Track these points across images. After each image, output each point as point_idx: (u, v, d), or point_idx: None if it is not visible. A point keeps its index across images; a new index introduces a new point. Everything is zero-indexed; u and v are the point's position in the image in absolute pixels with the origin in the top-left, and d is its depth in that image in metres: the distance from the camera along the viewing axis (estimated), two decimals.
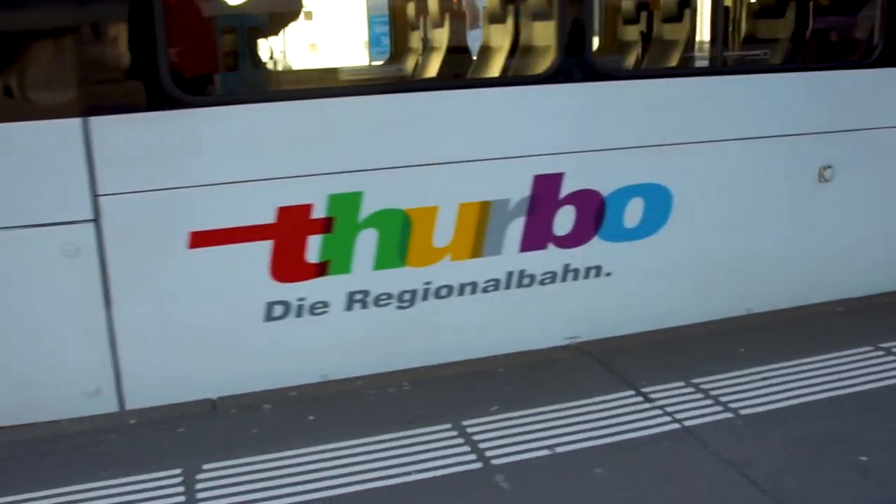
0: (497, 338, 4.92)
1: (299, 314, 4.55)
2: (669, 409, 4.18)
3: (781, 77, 5.45)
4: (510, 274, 4.87)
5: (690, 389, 4.39)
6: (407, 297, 4.72)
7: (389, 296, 4.68)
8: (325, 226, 4.47)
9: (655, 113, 4.99)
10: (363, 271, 4.60)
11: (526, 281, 4.91)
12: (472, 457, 3.82)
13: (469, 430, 4.05)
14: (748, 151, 5.22)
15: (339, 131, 4.44)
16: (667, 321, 5.21)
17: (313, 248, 4.49)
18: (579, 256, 4.98)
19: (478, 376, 4.66)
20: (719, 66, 6.54)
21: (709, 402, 4.25)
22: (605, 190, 4.93)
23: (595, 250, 5.00)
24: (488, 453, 3.84)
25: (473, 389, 4.49)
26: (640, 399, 4.31)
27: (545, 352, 4.95)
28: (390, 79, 7.70)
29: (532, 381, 4.57)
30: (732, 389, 4.38)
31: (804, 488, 3.48)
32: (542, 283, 4.94)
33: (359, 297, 4.63)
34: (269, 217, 4.37)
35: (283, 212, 4.38)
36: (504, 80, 5.81)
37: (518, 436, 3.99)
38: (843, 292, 5.66)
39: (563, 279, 4.98)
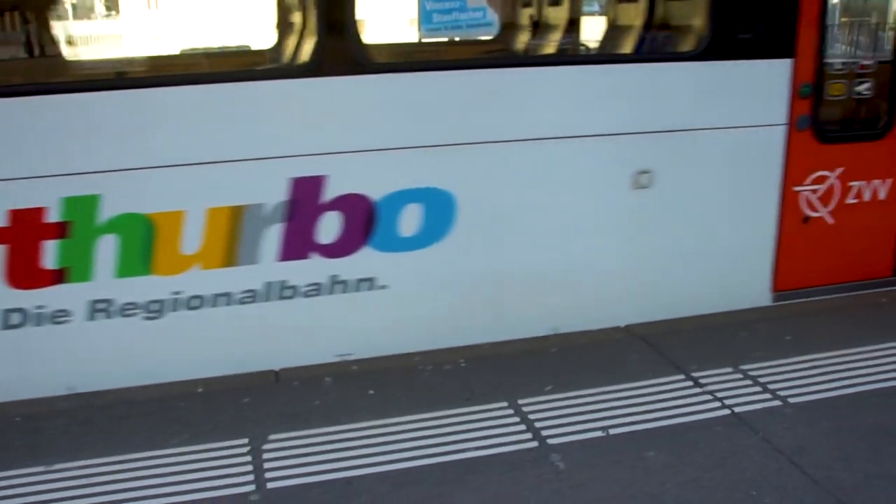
0: (260, 352, 4.62)
1: (39, 323, 4.30)
2: (719, 395, 4.28)
3: (590, 69, 4.96)
4: (269, 285, 4.54)
5: (739, 376, 4.48)
6: (155, 307, 4.44)
7: (135, 305, 4.41)
8: (61, 230, 4.21)
9: (435, 109, 4.56)
10: (105, 279, 4.33)
11: (287, 293, 4.57)
12: (528, 435, 3.95)
13: (525, 408, 4.18)
14: (548, 153, 4.75)
15: (75, 130, 4.15)
16: (455, 339, 4.84)
17: (50, 253, 4.24)
18: (348, 267, 4.61)
19: (531, 355, 4.77)
20: (515, 56, 5.89)
21: (758, 388, 4.34)
22: (375, 194, 4.55)
23: (366, 260, 4.63)
24: (544, 432, 3.97)
25: (528, 368, 4.60)
26: (690, 384, 4.41)
27: (596, 333, 5.04)
28: (129, 73, 6.82)
29: (584, 362, 4.68)
30: (780, 377, 4.46)
31: (856, 479, 3.57)
32: (306, 295, 4.59)
33: (102, 305, 4.36)
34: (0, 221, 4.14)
35: (15, 215, 4.14)
36: (256, 74, 5.04)
37: (572, 416, 4.12)
38: (660, 313, 5.16)
39: (331, 291, 4.61)
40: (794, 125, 5.15)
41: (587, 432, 3.97)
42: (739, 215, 5.26)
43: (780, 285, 5.46)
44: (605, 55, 5.74)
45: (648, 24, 5.76)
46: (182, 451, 3.87)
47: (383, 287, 4.69)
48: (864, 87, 5.38)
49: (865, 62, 5.41)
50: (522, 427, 4.02)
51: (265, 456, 3.82)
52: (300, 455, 3.83)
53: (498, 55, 6.61)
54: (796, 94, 5.10)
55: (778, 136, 5.16)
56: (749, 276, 5.40)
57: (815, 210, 5.40)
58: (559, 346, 4.89)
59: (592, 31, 6.23)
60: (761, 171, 5.21)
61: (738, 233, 5.28)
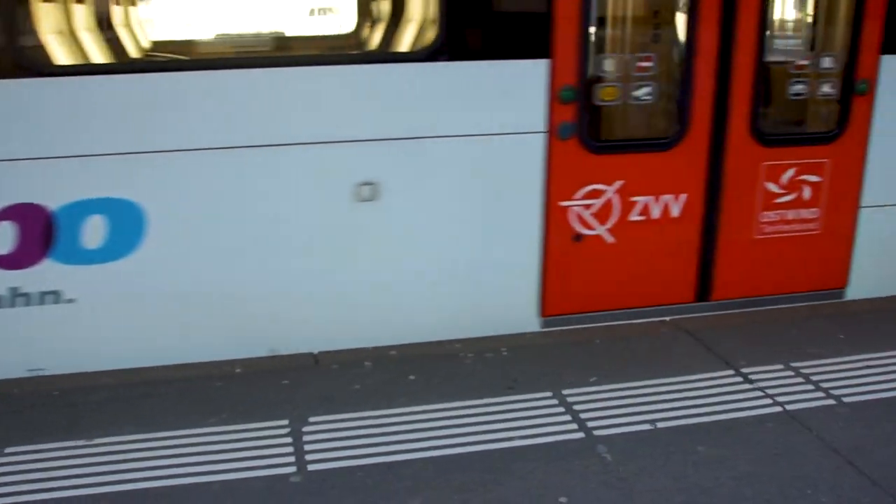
0: None
1: None
2: (770, 392, 4.16)
3: (302, 72, 4.49)
4: None
5: (790, 373, 4.36)
6: None
7: None
8: None
9: (115, 114, 4.21)
10: None
11: None
12: (574, 426, 3.86)
13: (569, 399, 4.08)
14: (252, 163, 4.40)
15: None
16: (150, 359, 4.48)
17: None
18: (29, 279, 4.33)
19: (574, 346, 4.68)
20: (206, 58, 5.49)
21: (810, 387, 4.22)
22: (52, 204, 4.24)
23: (48, 273, 4.33)
24: (590, 423, 3.87)
25: (571, 359, 4.52)
26: (739, 379, 4.29)
27: (641, 326, 4.95)
28: None
29: (629, 354, 4.59)
30: (833, 375, 4.34)
31: None
32: None
33: None
34: None
35: None
36: None
37: (618, 408, 4.02)
38: (390, 338, 4.72)
39: (13, 304, 4.34)
40: (554, 133, 4.66)
41: (634, 425, 3.87)
42: (493, 233, 4.77)
43: (550, 310, 4.96)
44: (322, 55, 5.25)
45: (374, 20, 5.26)
46: (222, 429, 3.81)
47: (70, 301, 4.40)
48: (643, 92, 4.80)
49: (643, 63, 4.84)
50: (567, 417, 3.93)
51: (305, 438, 3.75)
52: (341, 438, 3.76)
53: (189, 57, 6.20)
54: (556, 99, 4.62)
55: (535, 145, 4.66)
56: (510, 300, 4.91)
57: (589, 228, 4.87)
58: (602, 337, 4.79)
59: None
60: (518, 183, 4.72)
61: (491, 252, 4.79)
